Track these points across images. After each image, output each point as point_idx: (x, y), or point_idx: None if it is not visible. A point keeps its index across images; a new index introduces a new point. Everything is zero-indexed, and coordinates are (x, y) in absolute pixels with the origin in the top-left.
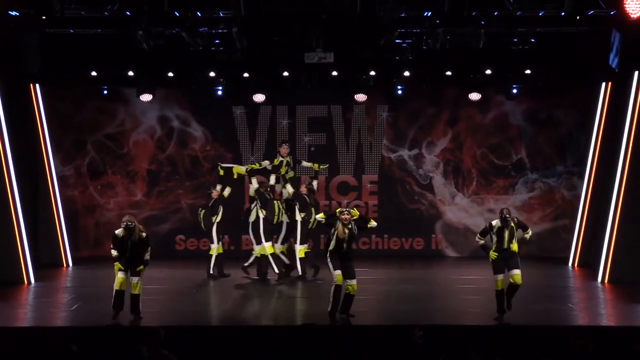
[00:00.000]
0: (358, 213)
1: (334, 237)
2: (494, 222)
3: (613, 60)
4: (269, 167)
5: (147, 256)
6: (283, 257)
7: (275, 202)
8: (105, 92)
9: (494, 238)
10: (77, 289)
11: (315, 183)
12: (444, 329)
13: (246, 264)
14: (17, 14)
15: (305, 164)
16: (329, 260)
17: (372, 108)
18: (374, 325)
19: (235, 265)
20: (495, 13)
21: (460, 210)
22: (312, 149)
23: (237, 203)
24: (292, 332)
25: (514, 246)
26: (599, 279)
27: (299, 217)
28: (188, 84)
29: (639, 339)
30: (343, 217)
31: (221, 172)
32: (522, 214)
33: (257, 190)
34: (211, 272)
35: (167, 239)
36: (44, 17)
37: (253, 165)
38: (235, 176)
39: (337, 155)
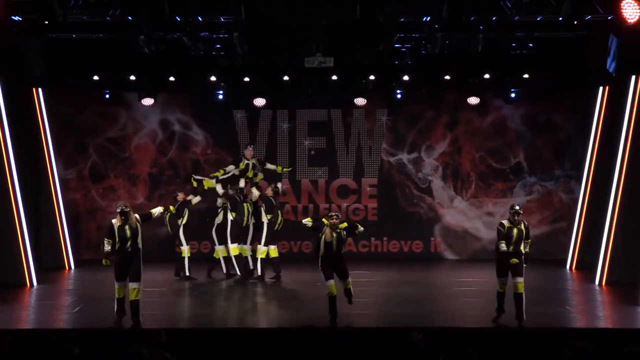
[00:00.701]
0: (346, 224)
1: (322, 241)
2: (504, 222)
3: (610, 65)
4: (237, 172)
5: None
6: (250, 260)
7: (245, 204)
8: (107, 96)
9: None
10: (79, 292)
11: (280, 185)
12: (443, 331)
13: (224, 271)
14: (20, 19)
15: (269, 165)
16: (320, 270)
17: (372, 112)
18: (374, 328)
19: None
20: (494, 18)
21: (459, 213)
22: (312, 152)
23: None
24: (293, 334)
25: (523, 249)
26: (597, 281)
27: (265, 219)
28: (189, 88)
29: (636, 341)
30: (332, 221)
31: (194, 184)
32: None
33: (225, 194)
34: (187, 274)
35: (168, 242)
36: (46, 22)
37: (217, 173)
38: (205, 188)
39: (337, 158)
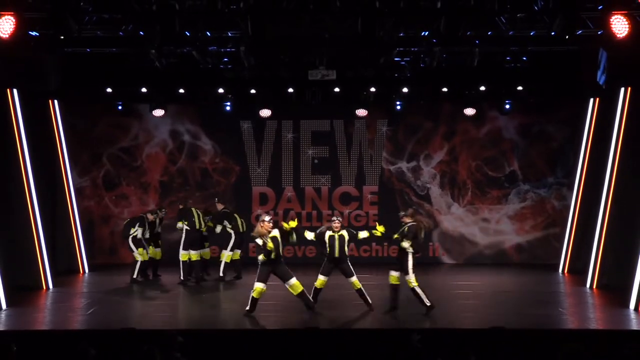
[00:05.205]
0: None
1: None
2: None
3: (600, 78)
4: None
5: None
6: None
7: (193, 209)
8: (120, 108)
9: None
10: (93, 294)
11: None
12: (441, 332)
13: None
14: (37, 34)
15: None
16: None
17: (373, 122)
18: (375, 329)
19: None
20: (489, 33)
21: (456, 219)
22: (316, 161)
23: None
24: (297, 336)
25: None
26: (588, 285)
27: (229, 228)
28: (198, 100)
29: (625, 342)
30: (334, 225)
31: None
32: (515, 223)
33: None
34: (134, 276)
35: (178, 247)
36: (62, 37)
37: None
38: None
39: (339, 167)
